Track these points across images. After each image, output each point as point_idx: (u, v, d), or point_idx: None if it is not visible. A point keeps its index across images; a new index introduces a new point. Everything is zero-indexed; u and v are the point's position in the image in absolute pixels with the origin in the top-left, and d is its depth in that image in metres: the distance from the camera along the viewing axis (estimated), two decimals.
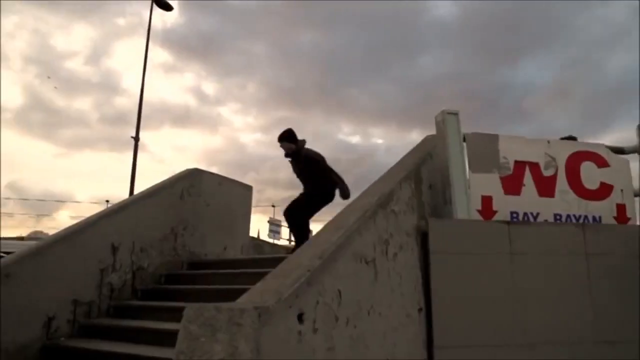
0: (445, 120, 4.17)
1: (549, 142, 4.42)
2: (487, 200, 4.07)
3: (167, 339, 3.72)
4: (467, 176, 4.10)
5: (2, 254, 10.92)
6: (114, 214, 4.76)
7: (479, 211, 4.04)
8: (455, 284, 3.53)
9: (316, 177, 5.40)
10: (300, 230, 5.43)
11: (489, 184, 4.13)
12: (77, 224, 4.64)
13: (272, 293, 1.97)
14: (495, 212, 4.06)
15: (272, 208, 34.72)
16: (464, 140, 4.20)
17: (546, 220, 4.15)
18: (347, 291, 2.51)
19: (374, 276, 2.88)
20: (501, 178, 4.17)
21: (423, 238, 3.65)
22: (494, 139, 4.26)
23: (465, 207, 3.95)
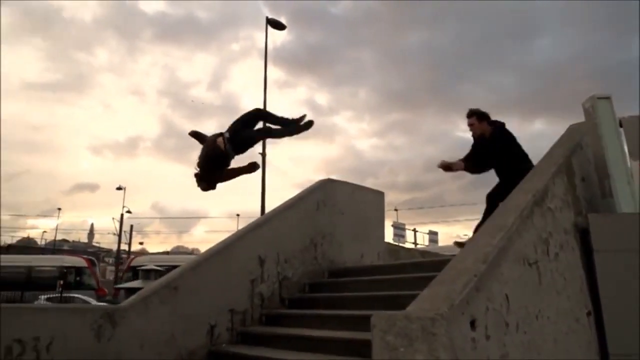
0: (596, 106, 3.82)
1: None
2: None
3: (321, 346, 3.85)
4: (629, 165, 3.71)
5: (156, 268, 12.23)
6: (258, 228, 5.05)
7: None
8: (626, 285, 3.20)
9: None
10: None
11: None
12: (227, 239, 5.00)
13: (443, 300, 1.93)
14: None
15: (395, 212, 34.43)
16: (620, 125, 3.81)
17: None
18: (513, 295, 2.39)
19: (538, 278, 2.71)
20: None
21: (582, 235, 3.37)
22: None
23: (630, 199, 3.58)
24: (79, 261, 23.16)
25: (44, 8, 76.78)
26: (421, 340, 1.45)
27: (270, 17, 17.30)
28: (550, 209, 3.14)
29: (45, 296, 16.01)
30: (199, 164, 4.91)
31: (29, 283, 20.42)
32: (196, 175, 4.79)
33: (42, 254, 30.35)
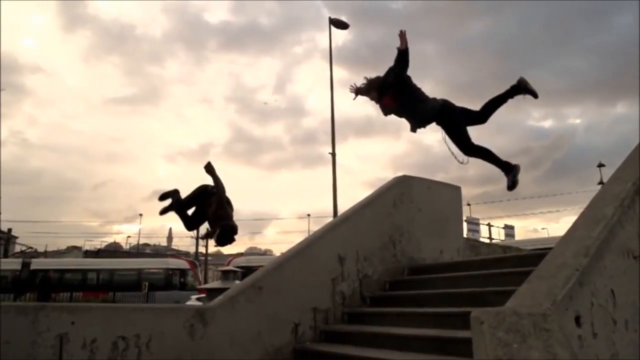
0: None
1: None
2: None
3: (406, 343, 3.83)
4: None
5: (234, 269, 12.63)
6: (337, 227, 5.09)
7: None
8: None
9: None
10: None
11: None
12: (307, 238, 5.10)
13: (545, 295, 1.85)
14: None
15: (468, 206, 33.34)
16: None
17: None
18: (619, 291, 2.25)
19: None
20: None
21: None
22: None
23: None
24: (182, 264, 24.71)
25: (119, 27, 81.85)
26: (534, 337, 1.39)
27: (332, 17, 17.37)
28: None
29: (196, 296, 16.85)
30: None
31: (139, 284, 22.10)
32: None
33: (128, 257, 32.33)
